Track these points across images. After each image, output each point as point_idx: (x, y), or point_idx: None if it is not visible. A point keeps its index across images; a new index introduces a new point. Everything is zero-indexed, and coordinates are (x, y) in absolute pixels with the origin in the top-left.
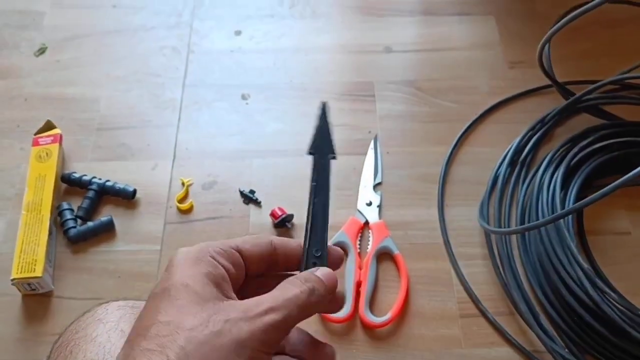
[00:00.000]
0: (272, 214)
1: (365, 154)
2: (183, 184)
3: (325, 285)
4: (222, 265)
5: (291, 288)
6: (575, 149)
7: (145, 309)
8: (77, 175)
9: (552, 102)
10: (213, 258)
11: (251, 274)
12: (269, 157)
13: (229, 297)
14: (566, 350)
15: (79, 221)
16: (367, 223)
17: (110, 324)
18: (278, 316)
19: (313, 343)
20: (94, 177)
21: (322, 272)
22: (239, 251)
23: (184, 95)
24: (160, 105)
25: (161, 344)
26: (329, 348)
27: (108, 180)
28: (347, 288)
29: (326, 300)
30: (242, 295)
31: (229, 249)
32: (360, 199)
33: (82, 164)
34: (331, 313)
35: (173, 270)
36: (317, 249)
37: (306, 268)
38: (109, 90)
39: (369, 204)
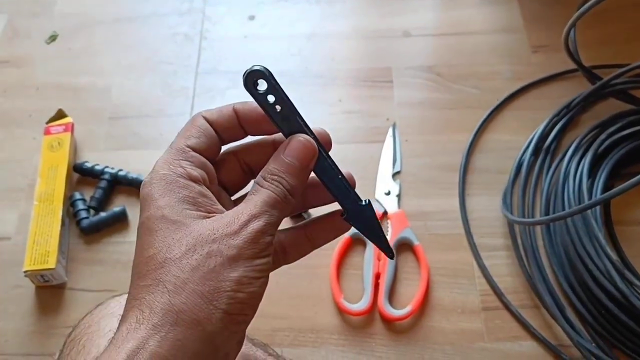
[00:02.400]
0: None
1: (384, 142)
2: None
3: (297, 167)
4: (193, 179)
5: (263, 190)
6: (603, 136)
7: (135, 248)
8: (89, 164)
9: (578, 87)
10: (182, 177)
11: (227, 142)
12: None
13: (211, 212)
14: (593, 344)
15: (92, 211)
16: (385, 213)
17: None
18: (261, 222)
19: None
20: (107, 167)
21: (290, 151)
22: (192, 149)
23: (196, 83)
24: (173, 94)
25: (156, 277)
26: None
27: (121, 170)
28: (366, 280)
29: (302, 182)
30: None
31: (186, 154)
32: (379, 188)
33: (95, 154)
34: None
35: (147, 203)
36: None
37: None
38: (120, 78)
39: (388, 194)
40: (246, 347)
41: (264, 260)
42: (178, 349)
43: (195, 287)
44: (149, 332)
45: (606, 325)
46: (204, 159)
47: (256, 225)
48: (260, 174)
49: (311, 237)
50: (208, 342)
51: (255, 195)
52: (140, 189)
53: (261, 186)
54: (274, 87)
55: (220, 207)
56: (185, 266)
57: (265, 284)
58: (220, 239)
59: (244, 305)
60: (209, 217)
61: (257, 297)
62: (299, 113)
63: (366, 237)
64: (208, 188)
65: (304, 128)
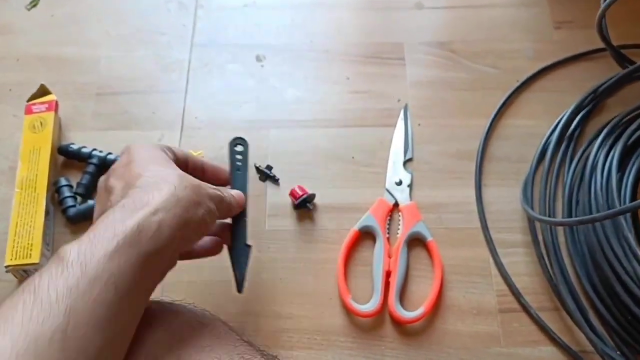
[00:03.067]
0: (292, 194)
1: (394, 125)
2: None
3: (236, 200)
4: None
5: (230, 193)
6: (634, 125)
7: (119, 177)
8: (75, 147)
9: (603, 69)
10: (163, 151)
11: None
12: (288, 128)
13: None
14: (618, 352)
15: (79, 199)
16: (396, 205)
17: None
18: (214, 204)
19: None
20: (95, 150)
21: (235, 194)
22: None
23: (192, 56)
24: (167, 68)
25: (155, 183)
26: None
27: (110, 153)
28: (376, 278)
29: (230, 214)
30: None
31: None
32: (389, 177)
33: (81, 134)
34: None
35: (140, 147)
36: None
37: None
38: (109, 50)
39: (399, 183)
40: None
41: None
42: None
43: (187, 180)
44: (157, 198)
45: (632, 332)
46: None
47: (218, 193)
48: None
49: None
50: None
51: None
52: (129, 148)
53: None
54: (245, 154)
55: None
56: (182, 182)
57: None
58: (196, 180)
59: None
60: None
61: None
62: (247, 179)
63: (233, 269)
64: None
65: (245, 188)
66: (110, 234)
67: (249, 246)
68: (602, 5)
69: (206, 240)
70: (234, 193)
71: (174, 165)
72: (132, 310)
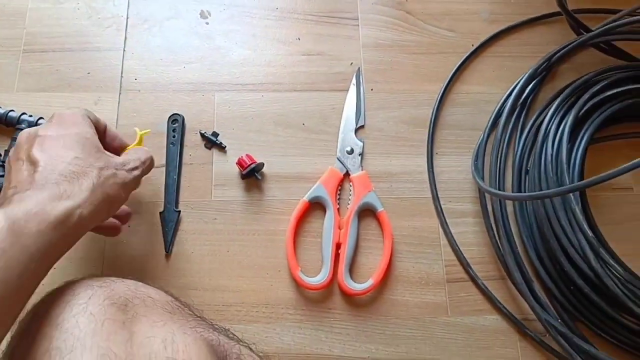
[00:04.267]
0: (239, 163)
1: (347, 90)
2: (137, 135)
3: (147, 158)
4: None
5: (143, 153)
6: (586, 96)
7: (60, 148)
8: (2, 110)
9: (558, 34)
10: (88, 124)
11: None
12: (235, 92)
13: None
14: (559, 320)
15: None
16: (347, 174)
17: (78, 307)
18: (139, 172)
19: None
20: (24, 114)
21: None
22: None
23: (129, 10)
24: (102, 24)
25: (77, 175)
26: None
27: (41, 118)
28: (325, 250)
29: (150, 167)
30: None
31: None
32: (340, 145)
33: (8, 96)
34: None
35: (70, 119)
36: None
37: None
38: (35, 1)
39: (350, 152)
40: (208, 333)
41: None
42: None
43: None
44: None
45: (574, 301)
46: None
47: (138, 172)
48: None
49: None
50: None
51: (136, 154)
52: (59, 112)
53: (141, 151)
54: (179, 129)
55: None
56: (102, 175)
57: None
58: (119, 169)
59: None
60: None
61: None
62: (178, 152)
63: (162, 231)
64: None
65: (176, 162)
66: (40, 216)
67: (178, 211)
68: None
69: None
70: (139, 156)
71: (95, 150)
72: (39, 273)
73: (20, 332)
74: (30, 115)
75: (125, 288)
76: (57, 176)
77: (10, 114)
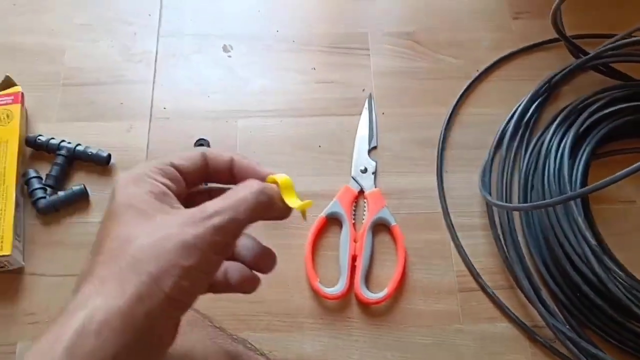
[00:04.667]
0: None
1: (360, 114)
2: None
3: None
4: (162, 183)
5: (239, 190)
6: (586, 113)
7: (97, 233)
8: (43, 138)
9: (559, 58)
10: (151, 177)
11: (192, 188)
12: (255, 118)
13: (174, 208)
14: (567, 326)
15: (49, 190)
16: (362, 191)
17: None
18: (224, 218)
19: (258, 247)
20: (63, 141)
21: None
22: (175, 167)
23: (159, 46)
24: (133, 58)
25: (113, 255)
26: (272, 254)
27: (79, 144)
28: (342, 262)
29: (278, 202)
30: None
31: (164, 166)
32: (355, 165)
33: (48, 125)
34: (280, 219)
35: (115, 194)
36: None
37: None
38: (73, 39)
39: (364, 171)
40: (228, 344)
41: (217, 258)
42: (121, 320)
43: (145, 265)
44: (99, 303)
45: (581, 307)
46: (179, 177)
47: (218, 219)
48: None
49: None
50: (146, 318)
51: (229, 193)
52: (115, 182)
53: (240, 187)
54: None
55: (180, 206)
56: (141, 247)
57: (208, 282)
58: (179, 226)
59: (185, 293)
60: (173, 211)
61: (199, 289)
62: None
63: None
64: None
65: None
66: (52, 343)
67: None
68: (556, 1)
69: (234, 269)
70: (236, 194)
71: (157, 214)
72: None
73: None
74: (69, 142)
75: None
76: (78, 281)
77: (51, 141)
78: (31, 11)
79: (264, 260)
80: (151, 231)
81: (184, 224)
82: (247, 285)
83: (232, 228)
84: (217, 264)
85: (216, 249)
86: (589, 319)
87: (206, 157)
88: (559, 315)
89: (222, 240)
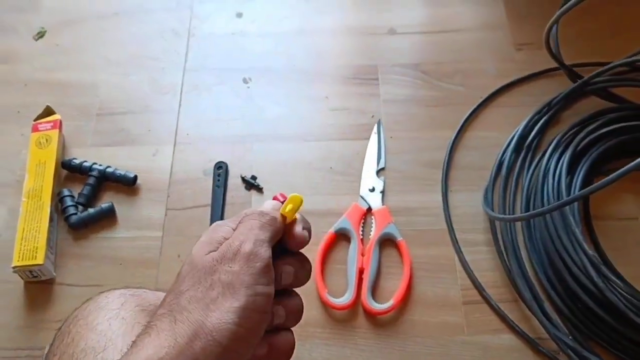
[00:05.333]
0: (275, 200)
1: (369, 138)
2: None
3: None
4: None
5: (252, 221)
6: (582, 134)
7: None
8: (77, 161)
9: (560, 85)
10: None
11: None
12: (271, 142)
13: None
14: (570, 337)
15: (80, 208)
16: (370, 209)
17: (111, 312)
18: (249, 244)
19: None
20: (95, 164)
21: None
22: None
23: (184, 79)
24: (161, 90)
25: (169, 308)
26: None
27: (109, 167)
28: (350, 275)
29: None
30: None
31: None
32: (363, 184)
33: (82, 150)
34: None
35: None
36: None
37: None
38: (108, 74)
39: (372, 190)
40: None
41: (264, 288)
42: None
43: (198, 317)
44: (153, 354)
45: (582, 318)
46: None
47: (247, 246)
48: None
49: None
50: None
51: (243, 224)
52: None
53: (249, 217)
54: (223, 174)
55: None
56: (192, 299)
57: (266, 321)
58: (219, 269)
59: (241, 341)
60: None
61: (256, 334)
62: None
63: None
64: None
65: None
66: None
67: None
68: (547, 27)
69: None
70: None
71: (197, 260)
72: None
73: (62, 333)
74: (100, 165)
75: (156, 298)
76: (142, 331)
77: (84, 164)
78: (71, 51)
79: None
80: (197, 280)
81: (221, 265)
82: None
83: (261, 251)
84: (267, 290)
85: (258, 275)
86: (591, 330)
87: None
88: (561, 327)
89: (260, 268)
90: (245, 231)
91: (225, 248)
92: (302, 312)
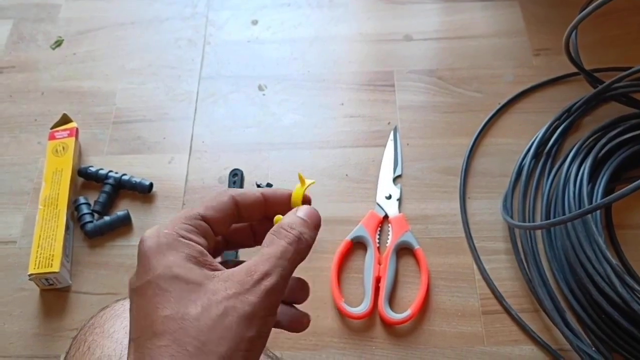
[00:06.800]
0: None
1: (385, 145)
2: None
3: (310, 224)
4: (197, 243)
5: (278, 242)
6: (604, 140)
7: (138, 307)
8: (93, 169)
9: (579, 91)
10: (186, 238)
11: (224, 233)
12: (286, 150)
13: (215, 269)
14: (593, 348)
15: (96, 215)
16: (386, 217)
17: (127, 320)
18: (274, 279)
19: (292, 280)
20: (111, 171)
21: (303, 211)
22: (205, 220)
23: (200, 87)
24: (176, 98)
25: (174, 338)
26: (306, 285)
27: (124, 174)
28: (367, 283)
29: (313, 240)
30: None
31: (194, 221)
32: (380, 192)
33: (99, 158)
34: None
35: (149, 261)
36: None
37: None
38: (124, 83)
39: (389, 197)
40: None
41: (273, 318)
42: None
43: (213, 347)
44: None
45: (606, 329)
46: (210, 230)
47: (269, 282)
48: (275, 227)
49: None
50: None
51: (269, 248)
52: (140, 243)
53: (277, 237)
54: (238, 180)
55: (218, 265)
56: (203, 327)
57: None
58: (234, 296)
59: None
60: (217, 275)
61: (262, 350)
62: None
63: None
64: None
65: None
66: None
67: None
68: (567, 30)
69: (282, 313)
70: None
71: (203, 283)
72: None
73: (78, 341)
74: (116, 172)
75: None
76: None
77: (100, 171)
78: (89, 59)
79: (299, 293)
80: (206, 307)
81: (237, 294)
82: (298, 326)
83: (282, 285)
84: (273, 321)
85: (272, 310)
86: (615, 341)
87: (236, 200)
88: (584, 338)
89: (276, 300)
90: (272, 259)
91: (243, 277)
92: None
